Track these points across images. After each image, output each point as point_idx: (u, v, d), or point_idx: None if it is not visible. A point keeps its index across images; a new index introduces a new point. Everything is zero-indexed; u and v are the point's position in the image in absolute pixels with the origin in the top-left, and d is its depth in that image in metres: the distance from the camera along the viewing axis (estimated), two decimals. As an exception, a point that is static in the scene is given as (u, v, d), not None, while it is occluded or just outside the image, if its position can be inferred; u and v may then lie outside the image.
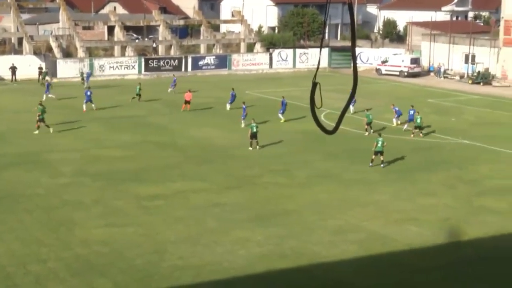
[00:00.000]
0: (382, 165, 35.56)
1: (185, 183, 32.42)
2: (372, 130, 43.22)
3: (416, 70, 75.59)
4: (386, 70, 75.76)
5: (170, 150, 39.06)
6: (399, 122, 46.22)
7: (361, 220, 27.58)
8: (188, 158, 37.34)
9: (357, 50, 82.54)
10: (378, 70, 76.59)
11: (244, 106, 45.17)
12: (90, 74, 63.91)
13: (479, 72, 71.09)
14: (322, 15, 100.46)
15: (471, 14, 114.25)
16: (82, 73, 64.22)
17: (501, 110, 53.77)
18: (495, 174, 35.06)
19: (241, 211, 28.38)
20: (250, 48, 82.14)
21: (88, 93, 50.18)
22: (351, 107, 48.15)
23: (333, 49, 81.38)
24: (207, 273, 22.14)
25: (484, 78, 70.21)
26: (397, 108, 46.34)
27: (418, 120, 42.86)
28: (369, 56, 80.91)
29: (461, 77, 73.11)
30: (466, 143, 42.30)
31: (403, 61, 75.89)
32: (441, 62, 76.39)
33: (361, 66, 78.53)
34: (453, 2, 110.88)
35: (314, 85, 9.53)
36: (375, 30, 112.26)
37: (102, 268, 22.38)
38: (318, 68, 10.21)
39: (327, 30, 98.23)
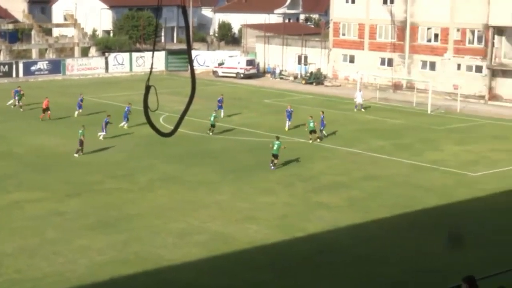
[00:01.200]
0: (272, 167, 36.18)
1: (22, 193, 31.49)
2: (316, 137, 43.35)
3: (252, 71, 77.34)
4: (223, 72, 76.91)
5: (5, 160, 37.72)
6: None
7: (204, 221, 28.05)
8: (25, 167, 36.26)
9: (194, 52, 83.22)
10: (215, 72, 77.62)
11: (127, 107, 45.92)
12: None
13: (311, 72, 73.84)
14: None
15: (302, 17, 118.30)
16: None
17: (333, 109, 56.23)
18: (330, 170, 36.76)
19: (83, 218, 28.01)
20: (84, 52, 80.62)
21: None
22: (222, 114, 49.70)
23: (170, 52, 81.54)
24: (46, 285, 21.70)
25: (317, 78, 73.04)
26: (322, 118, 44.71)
27: (311, 124, 43.18)
28: (205, 59, 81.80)
29: (295, 77, 75.59)
30: (302, 141, 43.94)
31: (239, 63, 77.35)
32: (276, 63, 78.64)
33: (198, 69, 79.18)
34: (285, 5, 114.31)
35: (147, 88, 9.51)
36: (211, 33, 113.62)
37: None
38: (151, 71, 10.16)
39: (163, 34, 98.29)
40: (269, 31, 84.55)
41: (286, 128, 47.00)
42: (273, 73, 77.78)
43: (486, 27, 61.38)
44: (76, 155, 38.41)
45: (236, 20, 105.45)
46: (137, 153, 39.93)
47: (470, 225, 28.10)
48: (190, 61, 9.94)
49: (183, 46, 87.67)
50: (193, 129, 45.10)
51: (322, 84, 72.55)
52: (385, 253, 24.92)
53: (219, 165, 37.27)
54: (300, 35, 78.53)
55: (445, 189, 33.51)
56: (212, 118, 44.70)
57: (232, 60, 78.18)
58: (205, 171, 35.93)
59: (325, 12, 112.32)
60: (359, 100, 56.45)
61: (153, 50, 11.22)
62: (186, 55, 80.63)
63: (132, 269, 23.16)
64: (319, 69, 74.38)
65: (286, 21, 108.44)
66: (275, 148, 35.84)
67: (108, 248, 24.81)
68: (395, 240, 26.41)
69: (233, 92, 65.86)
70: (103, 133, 42.75)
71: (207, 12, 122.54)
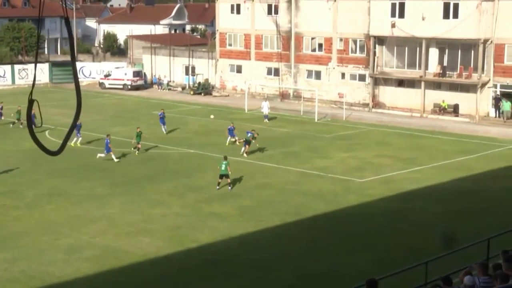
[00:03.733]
0: (229, 188, 34.36)
1: None
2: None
3: (139, 82, 76.62)
4: (109, 84, 75.80)
5: None
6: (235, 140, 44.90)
7: (93, 236, 27.42)
8: None
9: (79, 64, 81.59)
10: (101, 84, 76.38)
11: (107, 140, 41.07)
12: None
13: (199, 83, 73.89)
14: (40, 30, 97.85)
15: (188, 27, 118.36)
16: None
17: (222, 119, 56.39)
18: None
19: (-35, 238, 26.76)
20: (-37, 65, 77.45)
21: None
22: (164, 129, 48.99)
23: (54, 64, 79.58)
24: None
25: (205, 88, 73.14)
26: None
27: (248, 135, 42.79)
28: (91, 70, 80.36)
29: (183, 88, 75.43)
30: (192, 152, 43.80)
31: (125, 74, 76.45)
32: (163, 74, 78.16)
33: (84, 80, 77.73)
34: (170, 16, 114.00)
35: (31, 102, 8.84)
36: (96, 44, 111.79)
37: None
38: (34, 84, 9.32)
39: (46, 45, 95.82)
40: (156, 42, 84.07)
41: (165, 132, 48.26)
42: (160, 84, 77.30)
43: (367, 36, 63.28)
44: None
45: (122, 31, 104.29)
46: (20, 168, 38.61)
47: (358, 229, 28.75)
48: (75, 74, 9.25)
49: (68, 58, 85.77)
50: (81, 142, 44.13)
51: (210, 94, 72.72)
52: (278, 260, 25.11)
53: (109, 178, 36.59)
54: (187, 46, 78.49)
55: (334, 195, 34.18)
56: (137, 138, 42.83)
57: (119, 72, 77.22)
58: (94, 185, 35.18)
59: (211, 22, 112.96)
60: (265, 110, 56.58)
61: (36, 62, 10.53)
62: (70, 67, 78.87)
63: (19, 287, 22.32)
64: (207, 80, 74.54)
65: (172, 31, 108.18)
66: (223, 168, 34.18)
67: (-6, 268, 23.79)
68: (287, 246, 26.66)
69: (121, 104, 64.98)
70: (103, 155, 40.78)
71: (91, 23, 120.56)
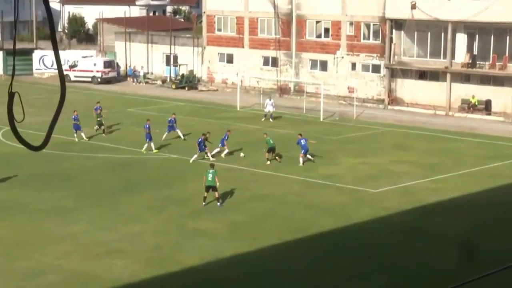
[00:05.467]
0: (218, 204, 34.03)
1: None
2: (275, 157, 42.75)
3: (111, 75, 76.65)
4: (75, 76, 75.78)
5: None
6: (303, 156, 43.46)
7: (57, 258, 27.46)
8: None
9: (38, 53, 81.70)
10: (65, 77, 76.32)
11: None
12: None
13: (183, 75, 73.99)
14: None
15: (169, 9, 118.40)
16: None
17: (210, 118, 56.49)
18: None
19: None
20: None
21: None
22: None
23: (9, 53, 79.59)
24: None
25: (189, 81, 73.26)
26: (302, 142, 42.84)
27: (271, 142, 42.87)
28: (53, 60, 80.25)
29: (164, 81, 75.51)
30: (173, 157, 43.87)
31: (95, 64, 76.48)
32: (139, 65, 78.22)
33: (44, 72, 77.87)
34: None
35: (11, 96, 9.43)
36: (59, 29, 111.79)
37: None
38: (13, 75, 10.19)
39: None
40: (131, 27, 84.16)
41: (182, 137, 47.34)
42: (135, 76, 77.34)
43: (383, 20, 63.51)
44: None
45: (90, 14, 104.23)
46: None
47: (371, 249, 28.86)
48: (58, 63, 9.93)
49: (24, 45, 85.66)
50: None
51: (196, 88, 72.86)
52: (276, 286, 25.18)
53: (75, 189, 36.62)
54: (168, 31, 78.59)
55: (343, 209, 34.29)
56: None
57: (87, 62, 77.24)
58: (57, 197, 35.22)
59: (197, 3, 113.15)
60: (269, 108, 56.73)
61: (14, 49, 10.71)
62: (28, 56, 79.05)
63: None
64: (191, 71, 74.65)
65: (151, 14, 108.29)
66: (209, 178, 33.81)
67: None
68: (287, 270, 26.74)
69: (89, 100, 64.99)
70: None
71: (53, 3, 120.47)
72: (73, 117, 47.18)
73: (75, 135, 47.53)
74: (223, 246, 29.04)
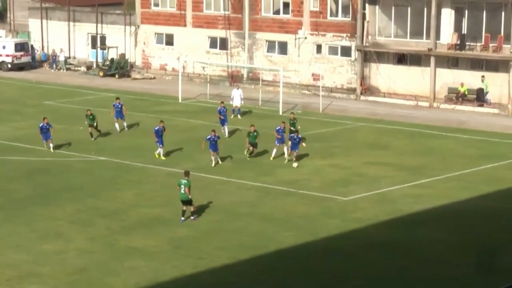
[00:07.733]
0: (192, 218, 34.20)
1: None
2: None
3: (24, 59, 76.07)
4: (-21, 62, 75.21)
5: None
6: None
7: (-41, 283, 27.21)
8: None
9: None
10: (-32, 62, 75.76)
11: None
12: None
13: (112, 60, 73.57)
14: None
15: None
16: None
17: (146, 112, 56.25)
18: (143, 201, 36.74)
19: None
20: None
21: None
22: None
23: None
24: None
25: (120, 68, 72.89)
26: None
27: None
28: None
29: (89, 67, 75.06)
30: (102, 159, 43.64)
31: (4, 47, 75.83)
32: (59, 48, 77.62)
33: None
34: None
35: None
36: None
37: None
38: None
39: None
40: (48, 1, 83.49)
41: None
42: (54, 61, 76.74)
43: (354, -7, 63.80)
44: None
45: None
46: None
47: (341, 269, 28.97)
48: None
49: None
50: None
51: (129, 76, 72.57)
52: (228, 316, 25.22)
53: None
54: (94, 7, 78.11)
55: (307, 221, 34.36)
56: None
57: (-6, 44, 76.62)
58: (-42, 209, 34.93)
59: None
60: (236, 102, 56.28)
61: None
62: None
63: None
64: (123, 55, 74.34)
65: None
66: (181, 191, 33.83)
67: None
68: (240, 296, 26.80)
69: (-3, 90, 64.50)
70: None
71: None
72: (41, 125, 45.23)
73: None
74: (163, 267, 28.97)
